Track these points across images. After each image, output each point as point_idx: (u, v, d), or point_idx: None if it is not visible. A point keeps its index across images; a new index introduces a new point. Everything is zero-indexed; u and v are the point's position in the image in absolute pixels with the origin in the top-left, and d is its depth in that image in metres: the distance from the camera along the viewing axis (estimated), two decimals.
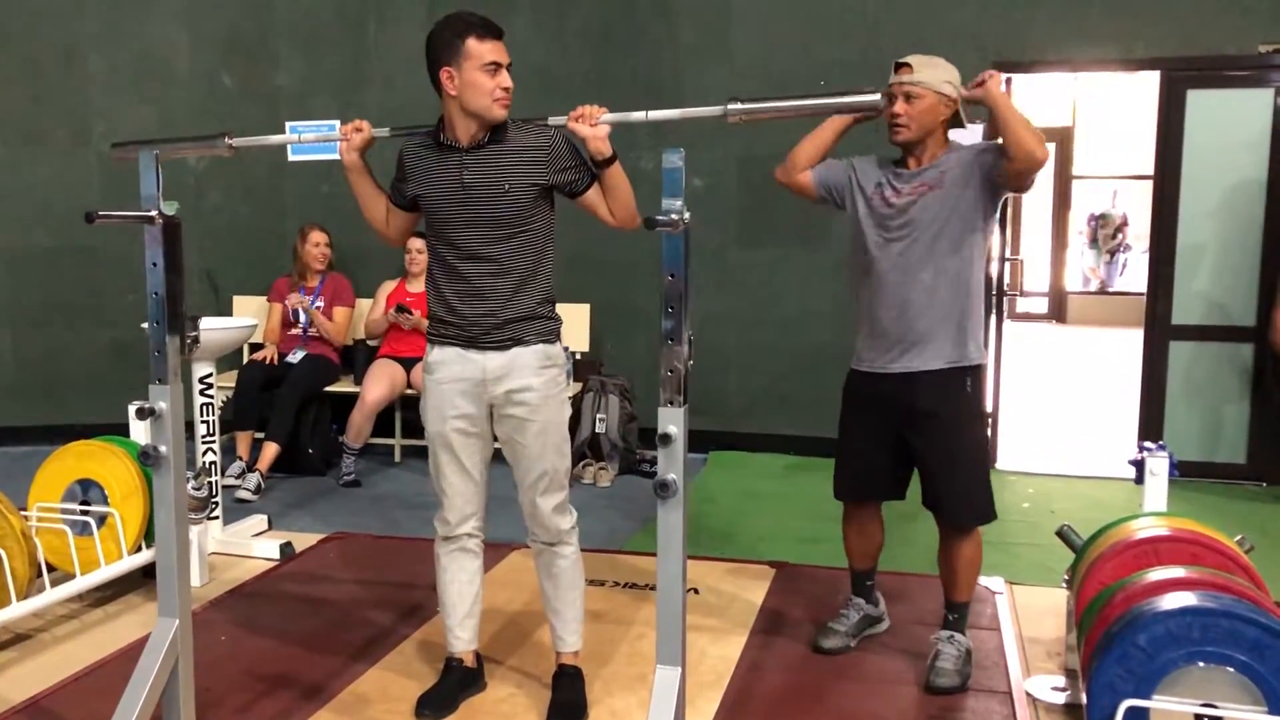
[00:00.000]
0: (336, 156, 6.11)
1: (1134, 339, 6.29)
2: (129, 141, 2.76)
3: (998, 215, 3.17)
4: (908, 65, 3.08)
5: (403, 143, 2.94)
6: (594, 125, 2.67)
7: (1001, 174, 3.02)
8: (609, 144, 2.72)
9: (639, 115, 2.61)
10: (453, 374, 2.89)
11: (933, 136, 3.10)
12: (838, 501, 3.39)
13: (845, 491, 3.35)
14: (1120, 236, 13.25)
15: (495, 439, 2.97)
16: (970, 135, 5.23)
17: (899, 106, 3.05)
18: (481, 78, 2.73)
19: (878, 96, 2.42)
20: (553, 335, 2.92)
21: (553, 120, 2.77)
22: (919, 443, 3.15)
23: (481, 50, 2.72)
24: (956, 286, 3.08)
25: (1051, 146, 13.60)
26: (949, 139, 3.15)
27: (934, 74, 3.06)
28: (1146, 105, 5.86)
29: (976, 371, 3.16)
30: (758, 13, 5.88)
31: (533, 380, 2.85)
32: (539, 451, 2.88)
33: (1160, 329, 5.65)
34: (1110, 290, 13.24)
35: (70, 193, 6.09)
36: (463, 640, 3.07)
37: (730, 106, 2.45)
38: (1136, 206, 12.89)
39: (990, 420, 5.89)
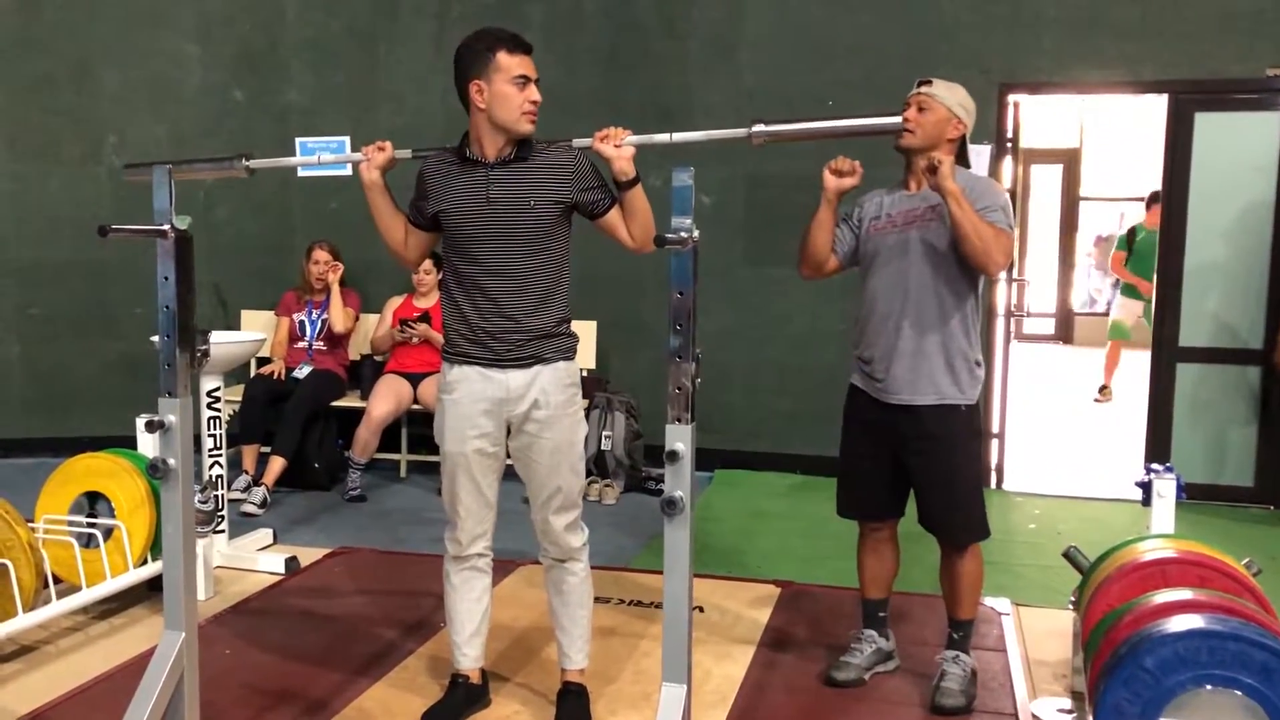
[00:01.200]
0: (346, 173, 6.15)
1: (1141, 360, 6.28)
2: (144, 163, 2.74)
3: None
4: (929, 81, 3.15)
5: (422, 162, 2.96)
6: (618, 146, 2.69)
7: None
8: (633, 165, 2.74)
9: (663, 137, 2.62)
10: (474, 393, 2.88)
11: (936, 153, 3.11)
12: (844, 521, 3.38)
13: (847, 508, 3.35)
14: None
15: (507, 455, 2.98)
16: (978, 156, 5.28)
17: (910, 113, 3.09)
18: (511, 90, 2.75)
19: (900, 119, 2.42)
20: (571, 353, 2.93)
21: (577, 142, 2.79)
22: (916, 463, 3.15)
23: (511, 64, 2.74)
24: (952, 317, 3.09)
25: (1059, 168, 13.43)
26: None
27: (950, 94, 3.12)
28: (1154, 127, 5.86)
29: (972, 404, 3.16)
30: (765, 33, 5.90)
31: (552, 398, 2.86)
32: (552, 469, 2.89)
33: (1167, 350, 5.64)
34: None
35: (81, 206, 6.12)
36: (469, 657, 3.06)
37: (755, 128, 2.45)
38: None
39: (998, 440, 5.88)
